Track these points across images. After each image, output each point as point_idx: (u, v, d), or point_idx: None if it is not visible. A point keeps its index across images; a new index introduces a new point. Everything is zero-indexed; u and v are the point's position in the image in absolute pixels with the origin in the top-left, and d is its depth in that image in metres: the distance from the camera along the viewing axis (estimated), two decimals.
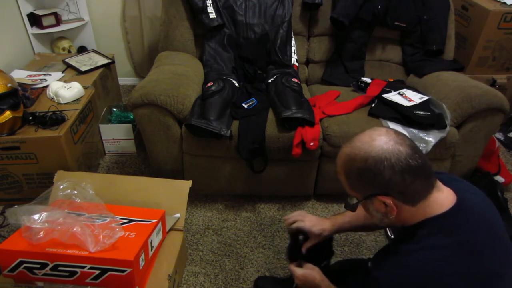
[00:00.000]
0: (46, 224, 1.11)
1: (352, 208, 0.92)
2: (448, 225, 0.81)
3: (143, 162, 2.18)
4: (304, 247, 1.20)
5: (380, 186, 0.81)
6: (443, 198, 0.84)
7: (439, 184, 0.85)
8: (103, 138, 2.18)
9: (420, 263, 0.79)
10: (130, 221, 1.25)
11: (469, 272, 0.77)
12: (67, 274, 1.11)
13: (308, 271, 1.11)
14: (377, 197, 0.83)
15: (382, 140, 0.81)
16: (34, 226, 1.11)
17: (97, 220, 1.18)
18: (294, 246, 1.24)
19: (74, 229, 1.10)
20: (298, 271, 1.11)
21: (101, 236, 1.10)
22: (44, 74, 2.10)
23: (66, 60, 2.27)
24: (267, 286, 1.50)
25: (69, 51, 2.56)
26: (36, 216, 1.12)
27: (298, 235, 1.24)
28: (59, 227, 1.11)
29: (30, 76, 2.08)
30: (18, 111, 1.64)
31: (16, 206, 1.16)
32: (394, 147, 0.80)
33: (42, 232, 1.10)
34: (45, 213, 1.13)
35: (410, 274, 0.79)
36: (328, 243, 1.30)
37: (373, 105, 1.85)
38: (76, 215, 1.20)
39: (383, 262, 0.88)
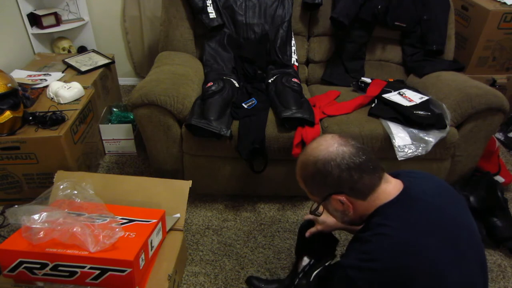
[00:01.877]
0: (46, 224, 1.11)
1: (315, 213, 1.03)
2: (397, 210, 0.89)
3: (143, 162, 2.19)
4: (308, 232, 1.30)
5: (331, 186, 0.91)
6: (390, 188, 0.92)
7: (387, 176, 0.94)
8: (103, 138, 2.18)
9: (377, 248, 0.86)
10: (130, 221, 1.25)
11: (423, 256, 0.82)
12: (67, 274, 1.11)
13: None
14: (332, 196, 0.93)
15: (327, 144, 0.92)
16: (34, 226, 1.11)
17: (97, 220, 1.18)
18: (301, 230, 1.35)
19: (74, 229, 1.10)
20: None
21: (101, 236, 1.11)
22: (44, 74, 2.10)
23: (66, 60, 2.27)
24: (261, 285, 1.51)
25: (69, 51, 2.56)
26: (36, 216, 1.12)
27: (307, 223, 1.35)
28: (59, 227, 1.11)
29: (30, 76, 2.08)
30: (18, 111, 1.64)
31: (16, 206, 1.16)
32: (338, 149, 0.90)
33: (42, 232, 1.10)
34: (45, 213, 1.13)
35: (369, 259, 0.85)
36: (332, 244, 1.33)
37: (373, 105, 1.85)
38: (76, 215, 1.20)
39: (347, 252, 0.96)
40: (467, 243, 0.88)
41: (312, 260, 1.28)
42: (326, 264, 1.27)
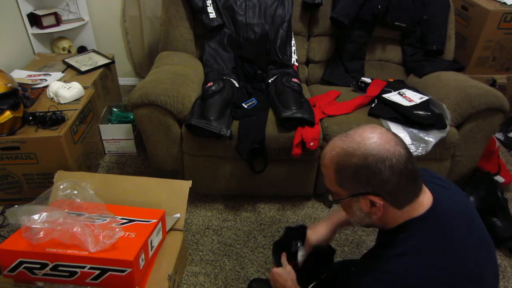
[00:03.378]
0: (46, 224, 1.11)
1: (330, 204, 0.94)
2: (425, 228, 0.82)
3: (143, 162, 2.18)
4: (300, 258, 1.19)
5: (375, 186, 0.80)
6: (425, 200, 0.84)
7: (424, 186, 0.86)
8: (103, 138, 2.18)
9: (399, 269, 0.79)
10: (130, 221, 1.25)
11: (447, 277, 0.78)
12: (67, 274, 1.11)
13: (284, 273, 1.10)
14: (367, 196, 0.81)
15: (383, 138, 0.80)
16: (34, 226, 1.11)
17: (97, 220, 1.18)
18: (288, 253, 1.22)
19: (74, 229, 1.10)
20: (275, 269, 1.12)
21: (101, 236, 1.10)
22: (44, 74, 2.10)
23: (66, 60, 2.27)
24: None
25: (69, 51, 2.56)
26: (36, 216, 1.12)
27: (294, 241, 1.22)
28: (59, 227, 1.11)
29: (30, 76, 2.08)
30: (18, 111, 1.64)
31: (16, 206, 1.16)
32: (395, 148, 0.78)
33: (42, 232, 1.10)
34: (45, 213, 1.13)
35: (393, 279, 0.79)
36: (329, 257, 1.28)
37: (373, 105, 1.85)
38: (76, 215, 1.20)
39: (365, 267, 0.87)
40: (487, 259, 0.85)
41: (305, 277, 1.24)
42: (322, 277, 1.22)
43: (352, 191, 0.83)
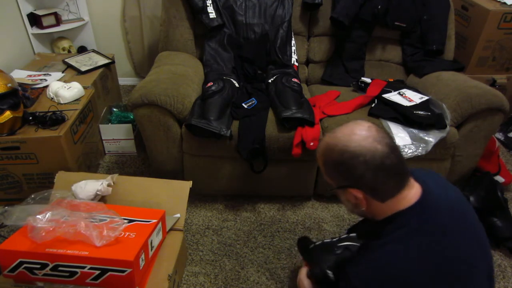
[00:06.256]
0: (50, 222, 1.12)
1: (329, 193, 0.98)
2: (413, 219, 0.84)
3: (143, 162, 2.19)
4: None
5: (352, 180, 0.86)
6: (412, 194, 0.87)
7: (412, 181, 0.88)
8: (103, 138, 2.18)
9: (385, 258, 0.82)
10: (130, 221, 1.25)
11: (432, 266, 0.79)
12: (67, 274, 1.11)
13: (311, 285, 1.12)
14: (348, 189, 0.88)
15: (362, 135, 0.84)
16: (39, 225, 1.11)
17: (95, 220, 1.18)
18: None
19: (78, 226, 1.10)
20: (304, 275, 1.14)
21: (105, 231, 1.11)
22: (44, 74, 2.10)
23: (66, 60, 2.27)
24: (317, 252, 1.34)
25: (69, 51, 2.56)
26: (40, 216, 1.12)
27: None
28: (64, 225, 1.11)
29: (30, 76, 2.08)
30: (18, 111, 1.64)
31: (6, 207, 1.16)
32: (372, 144, 0.83)
33: (46, 231, 1.10)
34: (49, 212, 1.14)
35: (376, 268, 0.82)
36: None
37: (373, 105, 1.85)
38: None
39: (354, 258, 0.92)
40: (479, 260, 0.85)
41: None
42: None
43: (338, 183, 0.91)
